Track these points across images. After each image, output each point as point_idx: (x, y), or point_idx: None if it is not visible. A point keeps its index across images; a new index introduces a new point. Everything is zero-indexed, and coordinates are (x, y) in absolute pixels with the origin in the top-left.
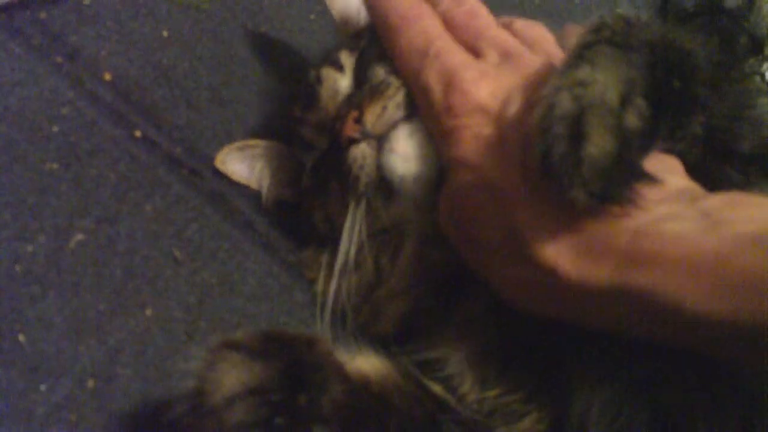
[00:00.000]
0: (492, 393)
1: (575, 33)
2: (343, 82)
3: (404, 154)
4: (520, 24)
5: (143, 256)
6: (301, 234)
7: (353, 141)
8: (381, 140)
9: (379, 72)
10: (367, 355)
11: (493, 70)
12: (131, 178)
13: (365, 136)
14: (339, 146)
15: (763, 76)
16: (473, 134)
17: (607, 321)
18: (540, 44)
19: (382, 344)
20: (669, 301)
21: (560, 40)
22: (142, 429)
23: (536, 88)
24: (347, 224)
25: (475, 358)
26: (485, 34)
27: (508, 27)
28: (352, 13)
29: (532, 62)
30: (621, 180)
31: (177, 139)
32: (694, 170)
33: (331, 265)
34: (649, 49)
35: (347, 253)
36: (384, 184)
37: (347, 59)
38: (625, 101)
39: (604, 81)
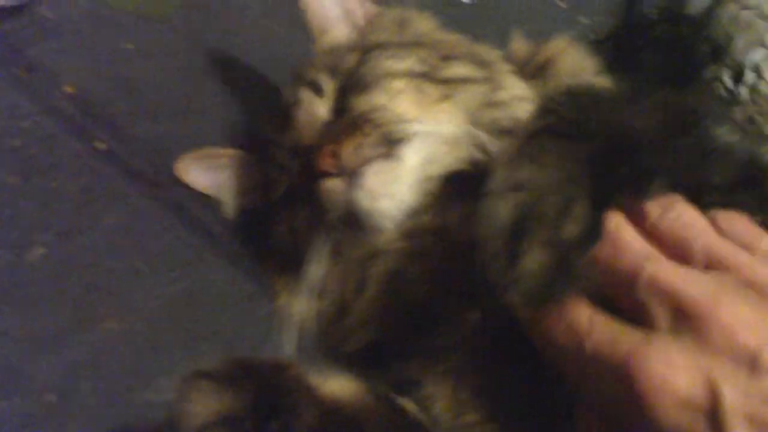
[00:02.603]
0: (468, 418)
1: None
2: (321, 108)
3: (374, 191)
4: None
5: (105, 269)
6: (262, 239)
7: (327, 175)
8: (353, 175)
9: (362, 104)
10: (339, 377)
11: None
12: (92, 191)
13: (340, 171)
14: (312, 174)
15: (723, 82)
16: None
17: None
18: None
19: (354, 362)
20: None
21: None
22: None
23: None
24: (314, 252)
25: (452, 380)
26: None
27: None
28: (331, 23)
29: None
30: (562, 287)
31: (139, 151)
32: None
33: (294, 285)
34: (594, 137)
35: (312, 280)
36: (353, 218)
37: (328, 83)
38: (566, 208)
39: (544, 184)
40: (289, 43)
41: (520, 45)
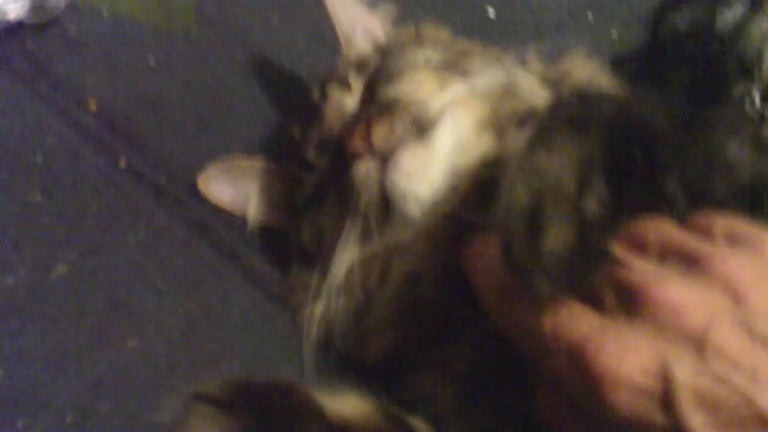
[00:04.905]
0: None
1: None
2: (350, 101)
3: (409, 173)
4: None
5: (126, 288)
6: (286, 259)
7: (359, 156)
8: (387, 158)
9: (390, 92)
10: (350, 396)
11: None
12: (115, 209)
13: (371, 152)
14: (342, 165)
15: (752, 101)
16: None
17: None
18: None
19: (367, 376)
20: None
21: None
22: None
23: None
24: (341, 243)
25: (466, 399)
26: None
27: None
28: (356, 36)
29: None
30: (585, 267)
31: (162, 168)
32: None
33: (318, 287)
34: (606, 127)
35: (338, 272)
36: (385, 203)
37: (355, 80)
38: (583, 186)
39: (560, 167)
40: (311, 56)
41: (535, 63)
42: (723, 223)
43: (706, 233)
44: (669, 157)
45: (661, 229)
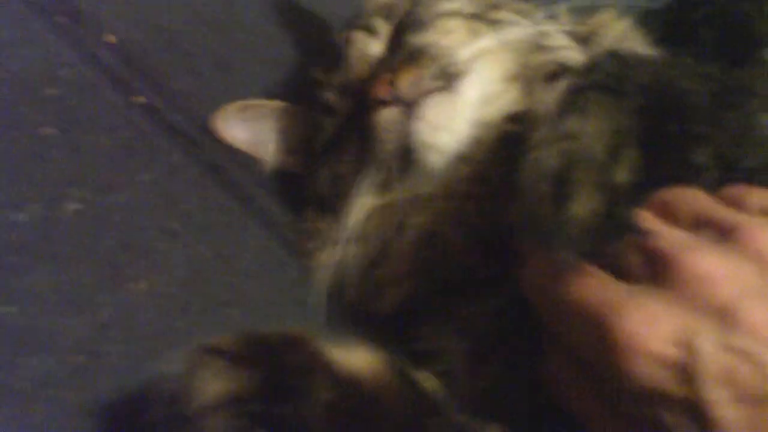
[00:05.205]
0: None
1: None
2: (375, 47)
3: (435, 123)
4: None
5: (139, 228)
6: (301, 204)
7: (382, 103)
8: (412, 107)
9: (419, 39)
10: (359, 350)
11: None
12: (129, 146)
13: (396, 100)
14: (364, 109)
15: None
16: None
17: None
18: None
19: (377, 327)
20: None
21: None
22: (121, 417)
23: None
24: (360, 190)
25: (477, 357)
26: None
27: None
28: None
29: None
30: (611, 236)
31: (178, 106)
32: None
33: (333, 234)
34: (642, 93)
35: (354, 219)
36: (407, 152)
37: (381, 25)
38: (615, 154)
39: (593, 132)
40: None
41: (566, 18)
42: (759, 196)
43: (741, 206)
44: (703, 128)
45: (695, 198)
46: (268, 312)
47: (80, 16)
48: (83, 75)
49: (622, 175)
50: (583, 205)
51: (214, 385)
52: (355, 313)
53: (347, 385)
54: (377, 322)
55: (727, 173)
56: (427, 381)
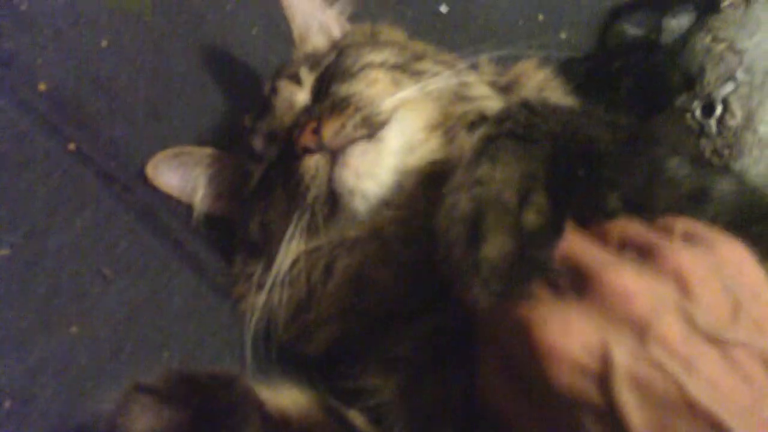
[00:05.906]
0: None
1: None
2: (301, 95)
3: (359, 171)
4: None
5: (71, 273)
6: (230, 249)
7: (308, 151)
8: (336, 154)
9: (343, 90)
10: (290, 389)
11: None
12: (62, 192)
13: (321, 148)
14: (290, 156)
15: (693, 113)
16: None
17: None
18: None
19: (307, 367)
20: None
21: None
22: None
23: None
24: (287, 235)
25: (408, 389)
26: None
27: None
28: (311, 30)
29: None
30: (522, 276)
31: (111, 153)
32: None
33: (262, 278)
34: (551, 141)
35: (282, 264)
36: (333, 198)
37: (306, 75)
38: (524, 199)
39: (503, 178)
40: (264, 45)
41: (487, 67)
42: (683, 223)
43: (666, 231)
44: (611, 173)
45: (626, 225)
46: (200, 354)
47: (13, 64)
48: (16, 122)
49: (530, 218)
50: (495, 248)
51: (143, 422)
52: (284, 354)
53: (277, 423)
54: (307, 362)
55: (638, 215)
56: (357, 418)
